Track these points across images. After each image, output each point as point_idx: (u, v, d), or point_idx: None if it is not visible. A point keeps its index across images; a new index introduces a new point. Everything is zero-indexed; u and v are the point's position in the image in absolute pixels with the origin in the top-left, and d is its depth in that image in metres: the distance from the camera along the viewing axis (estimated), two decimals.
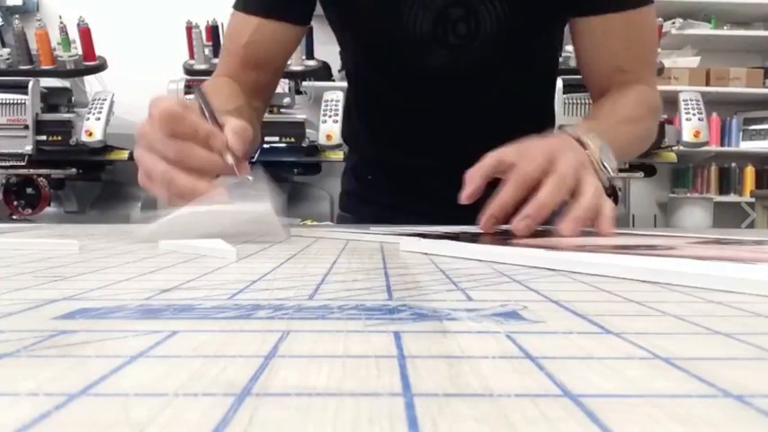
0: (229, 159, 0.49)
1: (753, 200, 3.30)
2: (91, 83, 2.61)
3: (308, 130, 2.39)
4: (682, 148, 2.51)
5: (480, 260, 0.37)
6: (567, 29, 0.82)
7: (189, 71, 2.49)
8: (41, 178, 2.47)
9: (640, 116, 0.75)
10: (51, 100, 2.54)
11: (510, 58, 0.79)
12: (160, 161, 0.50)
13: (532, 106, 0.87)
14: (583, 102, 2.18)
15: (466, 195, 0.54)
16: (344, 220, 0.95)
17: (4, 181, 2.49)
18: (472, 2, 0.74)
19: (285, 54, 0.81)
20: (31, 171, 2.43)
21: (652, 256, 0.35)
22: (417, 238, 0.45)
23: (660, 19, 2.49)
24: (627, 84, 0.77)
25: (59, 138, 2.38)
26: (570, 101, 2.18)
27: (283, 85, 2.62)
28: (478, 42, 0.75)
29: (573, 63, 0.79)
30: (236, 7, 0.79)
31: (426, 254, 0.41)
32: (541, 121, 0.88)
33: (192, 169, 0.49)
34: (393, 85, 0.80)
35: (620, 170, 2.05)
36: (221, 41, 0.92)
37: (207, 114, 0.52)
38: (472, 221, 0.56)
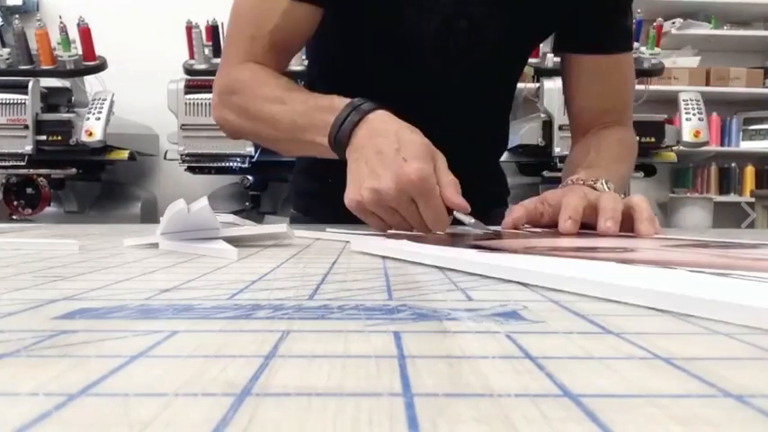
0: (469, 220, 0.57)
1: (753, 200, 3.30)
2: (91, 83, 2.61)
3: None
4: (682, 147, 2.51)
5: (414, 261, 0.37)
6: None
7: (189, 71, 2.49)
8: (41, 178, 2.47)
9: (623, 157, 0.81)
10: (51, 100, 2.54)
11: (498, 72, 0.83)
12: (394, 215, 0.58)
13: (500, 120, 0.92)
14: None
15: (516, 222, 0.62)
16: (299, 221, 0.91)
17: (4, 181, 2.49)
18: (477, 16, 0.75)
19: (307, 38, 0.78)
20: (31, 171, 2.43)
21: (586, 258, 0.34)
22: (368, 237, 0.45)
23: (660, 19, 2.48)
24: (607, 125, 0.82)
25: (59, 138, 2.38)
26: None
27: None
28: (474, 54, 0.77)
29: None
30: None
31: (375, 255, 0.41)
32: (503, 133, 0.94)
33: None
34: (379, 83, 0.77)
35: None
36: (225, 32, 0.88)
37: None
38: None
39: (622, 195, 0.62)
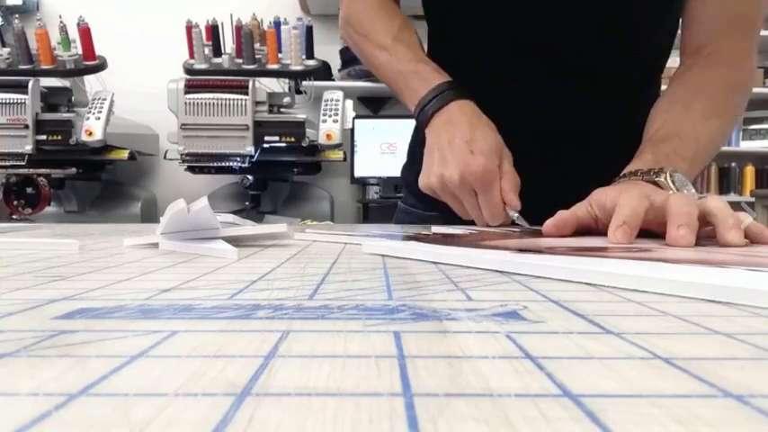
0: (514, 215, 0.61)
1: (753, 200, 3.29)
2: (91, 82, 2.61)
3: (308, 130, 2.39)
4: None
5: (434, 262, 0.37)
6: None
7: (189, 71, 2.49)
8: (41, 178, 2.47)
9: (723, 109, 0.67)
10: (51, 99, 2.54)
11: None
12: (458, 203, 0.63)
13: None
14: None
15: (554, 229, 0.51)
16: (406, 215, 0.87)
17: (4, 180, 2.49)
18: None
19: None
20: (31, 171, 2.43)
21: (607, 258, 0.33)
22: (379, 239, 0.45)
23: None
24: (721, 50, 0.69)
25: (59, 137, 2.38)
26: None
27: (283, 85, 2.63)
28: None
29: None
30: None
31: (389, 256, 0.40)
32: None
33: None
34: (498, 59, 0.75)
35: None
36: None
37: None
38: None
39: (693, 192, 0.52)
